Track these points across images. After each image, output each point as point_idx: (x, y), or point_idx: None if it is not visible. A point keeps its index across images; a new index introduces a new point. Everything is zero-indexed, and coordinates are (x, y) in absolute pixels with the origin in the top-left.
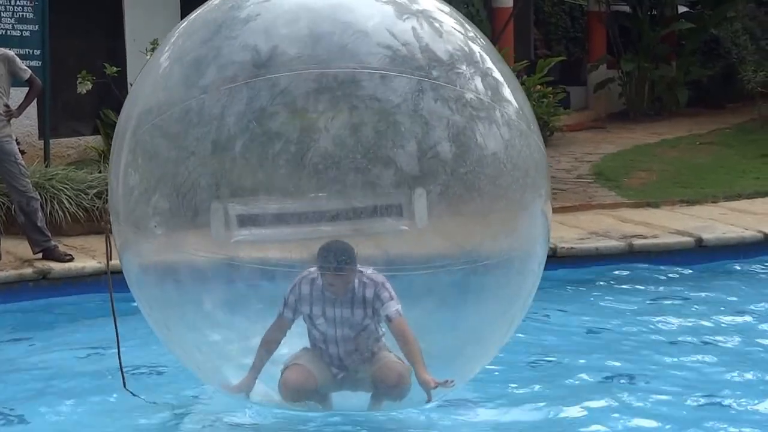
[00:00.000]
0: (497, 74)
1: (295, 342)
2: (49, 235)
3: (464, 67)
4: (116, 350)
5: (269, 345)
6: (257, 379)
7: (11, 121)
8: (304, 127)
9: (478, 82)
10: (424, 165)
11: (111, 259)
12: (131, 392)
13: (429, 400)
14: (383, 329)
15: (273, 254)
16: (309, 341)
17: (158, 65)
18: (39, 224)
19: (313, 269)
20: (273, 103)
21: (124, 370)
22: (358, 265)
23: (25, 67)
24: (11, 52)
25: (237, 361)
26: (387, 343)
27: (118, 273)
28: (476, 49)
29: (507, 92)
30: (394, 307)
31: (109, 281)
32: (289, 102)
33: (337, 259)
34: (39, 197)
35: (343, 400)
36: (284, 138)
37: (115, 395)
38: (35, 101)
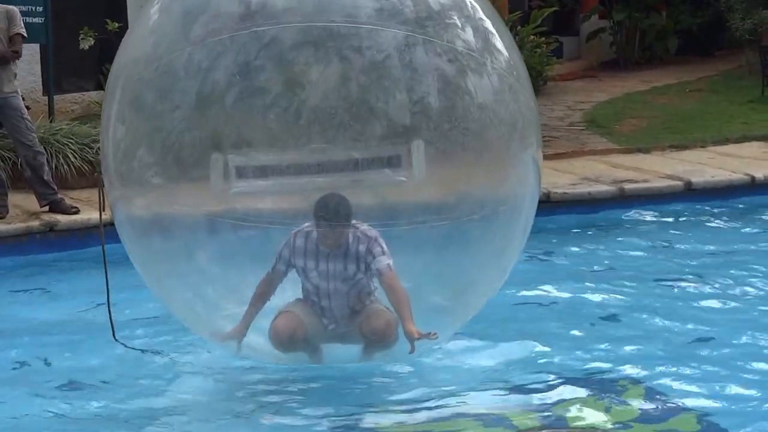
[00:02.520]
0: (488, 24)
1: (288, 295)
2: (55, 188)
3: (455, 18)
4: (117, 302)
5: (261, 297)
6: (248, 331)
7: (16, 77)
8: (292, 80)
9: (468, 32)
10: (414, 116)
11: (104, 212)
12: (122, 343)
13: (412, 351)
14: (375, 284)
15: (269, 206)
16: (302, 293)
17: (148, 17)
18: (45, 178)
19: (308, 224)
20: (258, 57)
21: (113, 320)
22: (354, 221)
23: (22, 29)
24: (14, 9)
25: (228, 313)
26: (379, 298)
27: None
28: (467, 0)
29: (497, 42)
30: (385, 261)
31: (101, 233)
32: (277, 55)
33: (333, 212)
34: (45, 152)
35: (334, 352)
36: (272, 92)
37: (119, 343)
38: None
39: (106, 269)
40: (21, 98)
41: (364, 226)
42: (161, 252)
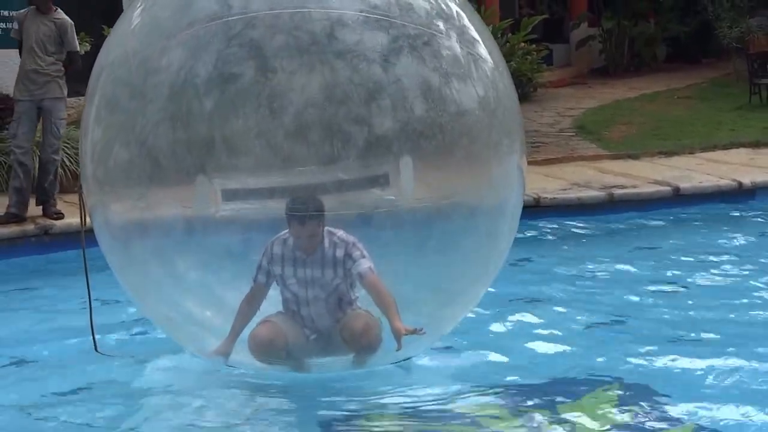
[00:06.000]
0: (473, 32)
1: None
2: (50, 197)
3: (436, 19)
4: (108, 305)
5: (247, 311)
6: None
7: (59, 84)
8: (274, 86)
9: (453, 38)
10: (398, 124)
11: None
12: (101, 352)
13: (399, 348)
14: (356, 293)
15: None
16: (282, 304)
17: (128, 21)
18: (46, 185)
19: (285, 231)
20: (235, 59)
21: (95, 330)
22: (329, 228)
23: (77, 41)
24: (69, 22)
25: (212, 325)
26: (361, 307)
27: None
28: (452, 6)
29: (482, 50)
30: (366, 264)
31: (83, 241)
32: (260, 57)
33: (302, 203)
34: (58, 162)
35: (320, 361)
36: (253, 96)
37: (109, 347)
38: None
39: (87, 277)
40: (63, 101)
41: (340, 232)
42: (138, 259)
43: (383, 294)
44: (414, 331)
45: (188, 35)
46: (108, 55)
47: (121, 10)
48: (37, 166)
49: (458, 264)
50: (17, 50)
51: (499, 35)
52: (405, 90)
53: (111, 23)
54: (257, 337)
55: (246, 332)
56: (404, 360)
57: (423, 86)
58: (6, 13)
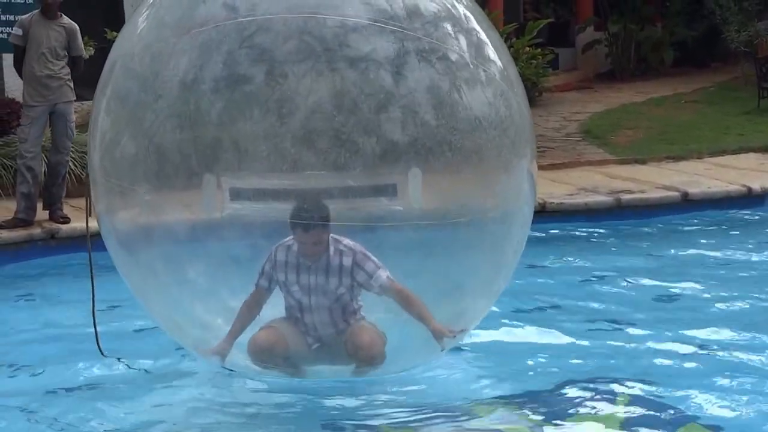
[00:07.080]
0: (482, 36)
1: (276, 311)
2: (56, 201)
3: (448, 27)
4: (113, 308)
5: (246, 315)
6: (233, 346)
7: (70, 88)
8: (284, 91)
9: (462, 42)
10: (408, 133)
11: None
12: (104, 354)
13: (443, 349)
14: (360, 302)
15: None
16: (285, 310)
17: (139, 16)
18: (53, 189)
19: (290, 237)
20: (247, 64)
21: (99, 334)
22: (334, 236)
23: (83, 47)
24: (76, 27)
25: (216, 328)
26: (365, 316)
27: None
28: (461, 9)
29: (491, 53)
30: (384, 275)
31: (88, 241)
32: (268, 62)
33: (307, 212)
34: (68, 165)
35: (321, 369)
36: (261, 99)
37: (113, 350)
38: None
39: (92, 281)
40: (73, 104)
41: (346, 240)
42: (145, 264)
43: (412, 299)
44: (460, 332)
45: (198, 34)
46: (119, 48)
47: (123, 14)
48: (44, 170)
49: (467, 272)
50: (11, 55)
51: (504, 39)
52: (415, 103)
53: (113, 27)
54: (258, 341)
55: (247, 335)
56: (404, 371)
57: (431, 92)
58: (12, 17)
